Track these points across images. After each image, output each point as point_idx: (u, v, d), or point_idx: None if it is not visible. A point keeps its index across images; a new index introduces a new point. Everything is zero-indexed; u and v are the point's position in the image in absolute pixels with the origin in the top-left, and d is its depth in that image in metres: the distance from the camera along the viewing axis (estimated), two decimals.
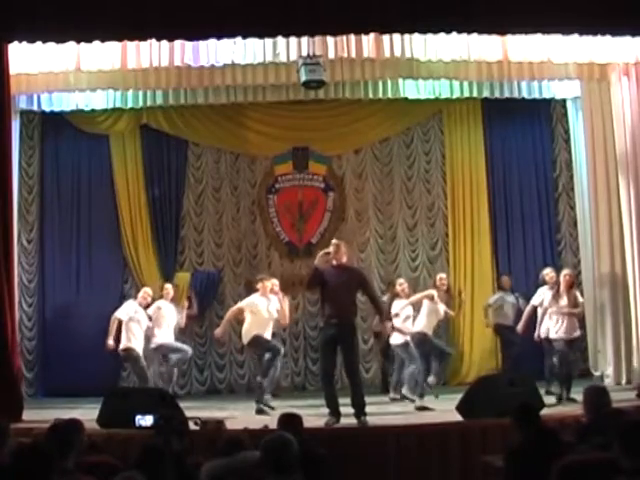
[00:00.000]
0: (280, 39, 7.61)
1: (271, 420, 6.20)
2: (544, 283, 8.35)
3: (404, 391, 8.24)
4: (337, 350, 6.96)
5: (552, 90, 9.45)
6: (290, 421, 4.56)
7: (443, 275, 8.79)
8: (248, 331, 8.03)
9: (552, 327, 7.92)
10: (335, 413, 6.74)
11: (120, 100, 9.12)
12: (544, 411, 6.65)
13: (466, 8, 6.89)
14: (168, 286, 8.94)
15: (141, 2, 6.87)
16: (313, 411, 7.06)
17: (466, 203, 10.19)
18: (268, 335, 8.08)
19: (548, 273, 8.39)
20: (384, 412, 7.51)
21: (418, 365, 7.99)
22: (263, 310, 8.03)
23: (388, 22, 7.02)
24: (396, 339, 8.23)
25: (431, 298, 8.26)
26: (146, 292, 8.68)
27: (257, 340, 7.97)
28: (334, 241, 7.27)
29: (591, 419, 4.33)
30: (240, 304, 8.29)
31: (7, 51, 7.36)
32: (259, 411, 7.67)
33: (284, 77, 8.35)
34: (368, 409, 6.86)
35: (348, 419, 6.78)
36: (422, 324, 8.25)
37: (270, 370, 8.02)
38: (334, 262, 6.98)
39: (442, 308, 8.47)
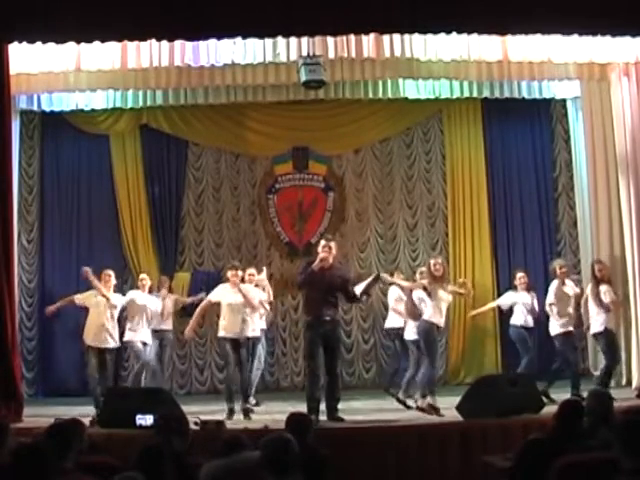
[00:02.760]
0: (280, 39, 7.61)
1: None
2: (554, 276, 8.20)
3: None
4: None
5: (552, 90, 9.45)
6: (299, 421, 4.54)
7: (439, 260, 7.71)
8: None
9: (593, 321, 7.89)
10: (316, 414, 6.65)
11: (120, 100, 9.12)
12: (544, 411, 6.68)
13: (466, 8, 6.89)
14: (143, 276, 8.78)
15: (141, 2, 6.87)
16: None
17: (466, 203, 10.20)
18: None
19: (559, 265, 8.19)
20: (384, 412, 7.51)
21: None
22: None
23: (388, 22, 7.02)
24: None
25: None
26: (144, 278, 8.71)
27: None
28: (324, 242, 7.09)
29: (590, 423, 4.29)
30: (210, 297, 7.83)
31: (7, 51, 7.36)
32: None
33: (284, 77, 8.34)
34: (369, 409, 6.85)
35: (350, 419, 6.80)
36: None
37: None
38: (324, 259, 6.90)
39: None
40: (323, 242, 7.13)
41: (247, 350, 7.76)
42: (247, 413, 7.33)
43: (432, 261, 7.60)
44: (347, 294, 7.12)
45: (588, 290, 8.15)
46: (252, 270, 8.37)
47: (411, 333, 7.98)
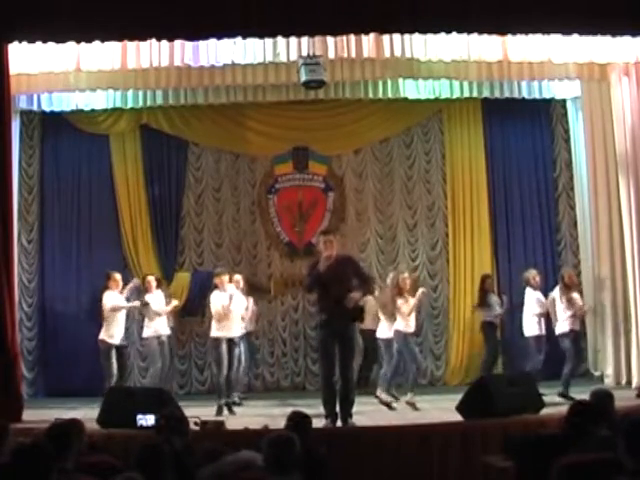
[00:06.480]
0: (280, 39, 7.62)
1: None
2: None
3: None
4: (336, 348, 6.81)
5: (552, 90, 9.46)
6: (299, 421, 4.55)
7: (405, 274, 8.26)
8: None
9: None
10: (333, 416, 6.69)
11: (120, 100, 9.13)
12: (544, 411, 6.69)
13: (466, 8, 6.89)
14: (117, 276, 8.71)
15: (141, 2, 6.87)
16: (313, 411, 7.02)
17: (466, 203, 10.19)
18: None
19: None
20: (384, 412, 7.51)
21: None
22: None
23: (388, 22, 7.03)
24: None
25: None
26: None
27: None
28: (324, 238, 6.94)
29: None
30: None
31: (7, 51, 7.36)
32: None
33: (284, 77, 8.35)
34: (369, 408, 6.82)
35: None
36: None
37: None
38: (329, 257, 6.73)
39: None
40: (322, 238, 6.94)
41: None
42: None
43: (401, 276, 8.08)
44: (361, 277, 6.92)
45: (556, 294, 8.20)
46: (238, 277, 8.80)
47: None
